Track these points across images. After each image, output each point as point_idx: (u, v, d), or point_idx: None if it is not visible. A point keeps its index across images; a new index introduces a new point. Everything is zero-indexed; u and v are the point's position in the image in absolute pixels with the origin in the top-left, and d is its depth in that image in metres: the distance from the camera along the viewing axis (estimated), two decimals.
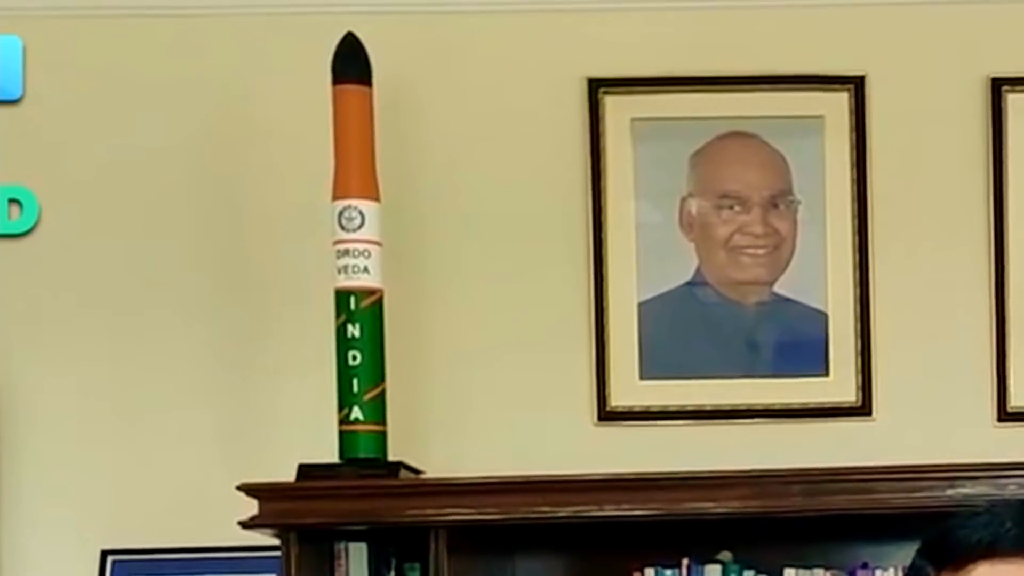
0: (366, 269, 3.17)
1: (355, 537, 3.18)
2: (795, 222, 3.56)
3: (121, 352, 3.52)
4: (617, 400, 3.54)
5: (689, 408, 3.54)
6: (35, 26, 3.50)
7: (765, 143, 3.55)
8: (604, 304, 3.53)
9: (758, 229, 3.55)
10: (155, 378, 3.51)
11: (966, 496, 3.08)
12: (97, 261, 3.51)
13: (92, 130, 3.52)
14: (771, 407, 3.54)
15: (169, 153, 3.53)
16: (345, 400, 3.17)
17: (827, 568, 3.32)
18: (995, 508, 1.70)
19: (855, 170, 3.54)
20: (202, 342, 3.51)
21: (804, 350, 3.57)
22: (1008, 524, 1.65)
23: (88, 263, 3.51)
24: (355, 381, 3.16)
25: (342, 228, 3.16)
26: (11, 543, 3.48)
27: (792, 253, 3.56)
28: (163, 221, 3.53)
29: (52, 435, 3.51)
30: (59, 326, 3.52)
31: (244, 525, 3.09)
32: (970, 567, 1.64)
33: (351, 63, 3.19)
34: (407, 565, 3.22)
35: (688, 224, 3.55)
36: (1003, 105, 3.54)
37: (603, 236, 3.53)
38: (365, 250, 3.17)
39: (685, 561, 3.28)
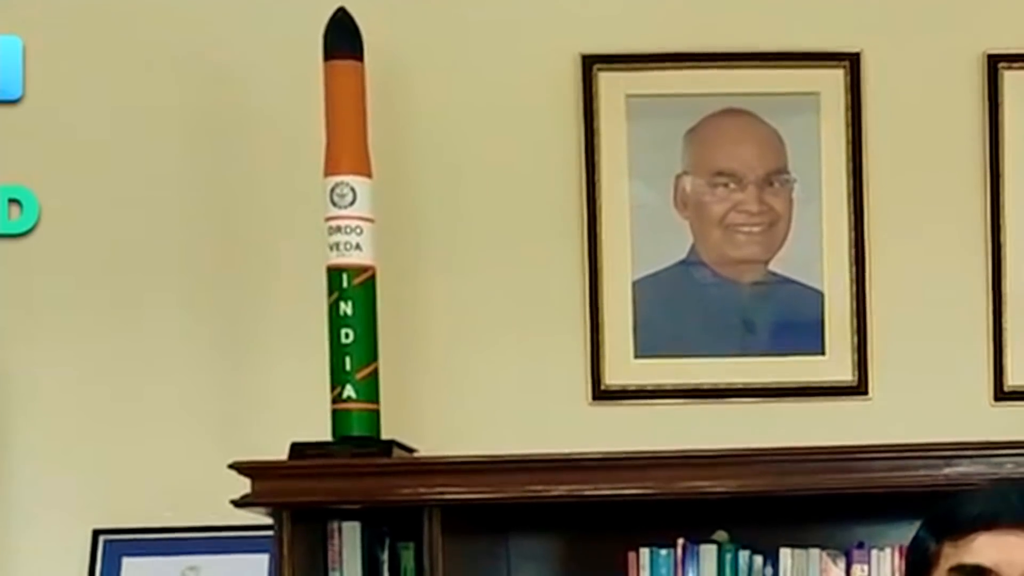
0: (358, 246, 3.15)
1: (349, 516, 3.17)
2: (790, 200, 3.54)
3: (115, 334, 3.51)
4: (612, 379, 3.52)
5: (684, 387, 3.53)
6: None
7: (760, 120, 3.54)
8: (598, 283, 3.52)
9: (753, 207, 3.54)
10: (147, 358, 3.51)
11: (963, 475, 3.08)
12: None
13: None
14: (767, 386, 3.53)
15: (164, 132, 3.52)
16: (338, 378, 3.15)
17: (823, 548, 3.30)
18: (998, 486, 1.71)
19: (851, 147, 3.53)
20: (194, 321, 3.50)
21: (800, 329, 3.55)
22: (1011, 499, 1.66)
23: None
24: (348, 359, 3.14)
25: (334, 205, 3.15)
26: (3, 523, 3.47)
27: (787, 231, 3.54)
28: (158, 200, 3.52)
29: (45, 417, 3.50)
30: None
31: (237, 504, 3.08)
32: (972, 536, 1.65)
33: (343, 38, 3.17)
34: (401, 544, 3.20)
35: (682, 202, 3.54)
36: (999, 82, 3.53)
37: (597, 214, 3.51)
38: (357, 227, 3.15)
39: (680, 541, 3.27)
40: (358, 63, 3.18)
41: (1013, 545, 1.63)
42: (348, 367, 3.14)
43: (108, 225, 3.51)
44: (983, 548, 1.64)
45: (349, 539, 3.18)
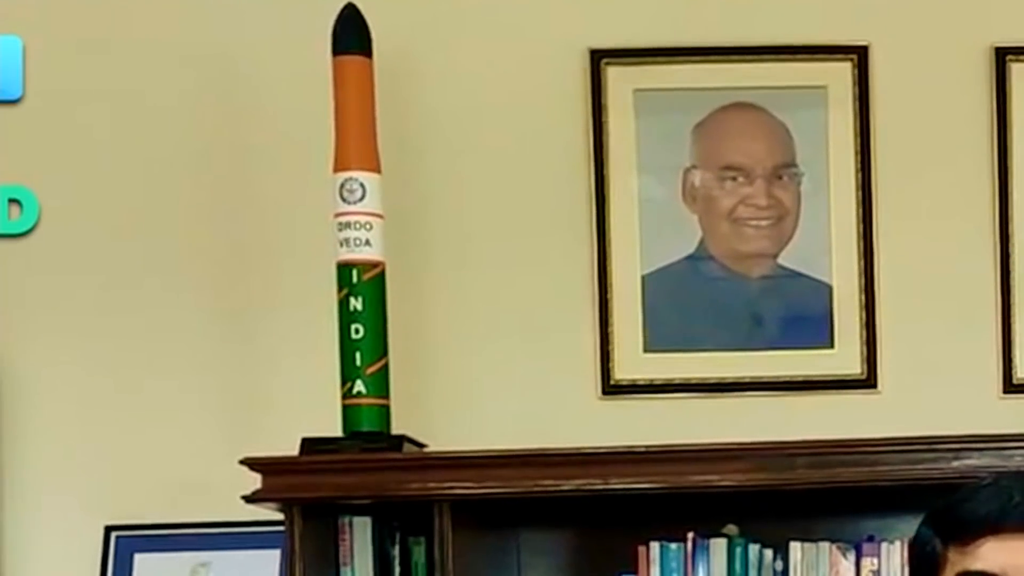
0: (368, 242, 3.16)
1: (359, 511, 3.17)
2: (798, 194, 3.54)
3: (118, 333, 3.51)
4: (621, 373, 3.52)
5: (693, 381, 3.53)
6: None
7: (768, 114, 3.54)
8: (607, 277, 3.52)
9: (762, 201, 3.54)
10: (157, 354, 3.51)
11: (972, 468, 3.07)
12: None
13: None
14: (776, 380, 3.53)
15: (167, 131, 3.52)
16: (348, 374, 3.15)
17: (833, 541, 3.30)
18: (1001, 480, 1.69)
19: (859, 140, 3.53)
20: (204, 317, 3.51)
21: (808, 322, 3.55)
22: (1016, 498, 1.64)
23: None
24: (357, 354, 3.15)
25: (343, 200, 3.15)
26: (15, 520, 3.47)
27: (796, 225, 3.54)
28: (165, 194, 3.52)
29: (53, 416, 3.50)
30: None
31: (248, 500, 3.08)
32: (978, 542, 1.63)
33: (351, 34, 3.17)
34: (412, 539, 3.20)
35: (691, 196, 3.54)
36: (1007, 75, 3.52)
37: (605, 208, 3.51)
38: (367, 223, 3.15)
39: (690, 535, 3.26)
40: (367, 59, 3.18)
41: (1020, 550, 1.62)
42: (358, 362, 3.15)
43: (108, 225, 3.51)
44: (989, 554, 1.62)
45: (360, 534, 3.18)
